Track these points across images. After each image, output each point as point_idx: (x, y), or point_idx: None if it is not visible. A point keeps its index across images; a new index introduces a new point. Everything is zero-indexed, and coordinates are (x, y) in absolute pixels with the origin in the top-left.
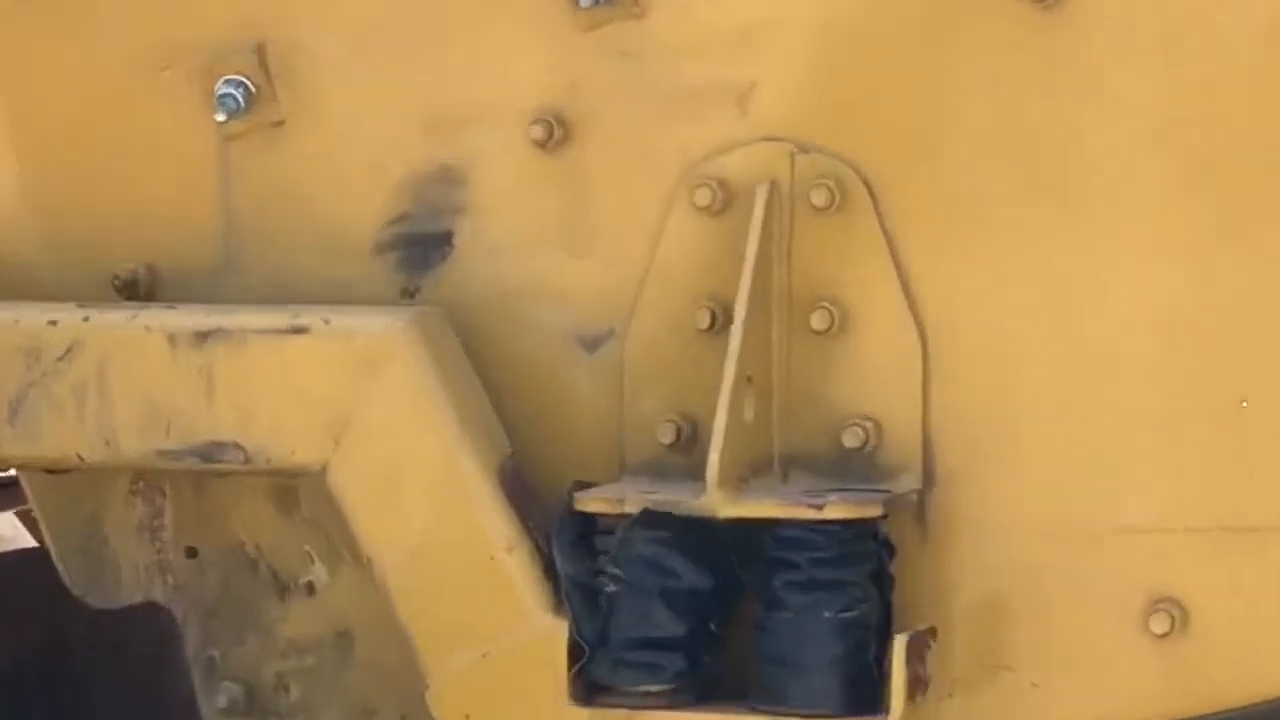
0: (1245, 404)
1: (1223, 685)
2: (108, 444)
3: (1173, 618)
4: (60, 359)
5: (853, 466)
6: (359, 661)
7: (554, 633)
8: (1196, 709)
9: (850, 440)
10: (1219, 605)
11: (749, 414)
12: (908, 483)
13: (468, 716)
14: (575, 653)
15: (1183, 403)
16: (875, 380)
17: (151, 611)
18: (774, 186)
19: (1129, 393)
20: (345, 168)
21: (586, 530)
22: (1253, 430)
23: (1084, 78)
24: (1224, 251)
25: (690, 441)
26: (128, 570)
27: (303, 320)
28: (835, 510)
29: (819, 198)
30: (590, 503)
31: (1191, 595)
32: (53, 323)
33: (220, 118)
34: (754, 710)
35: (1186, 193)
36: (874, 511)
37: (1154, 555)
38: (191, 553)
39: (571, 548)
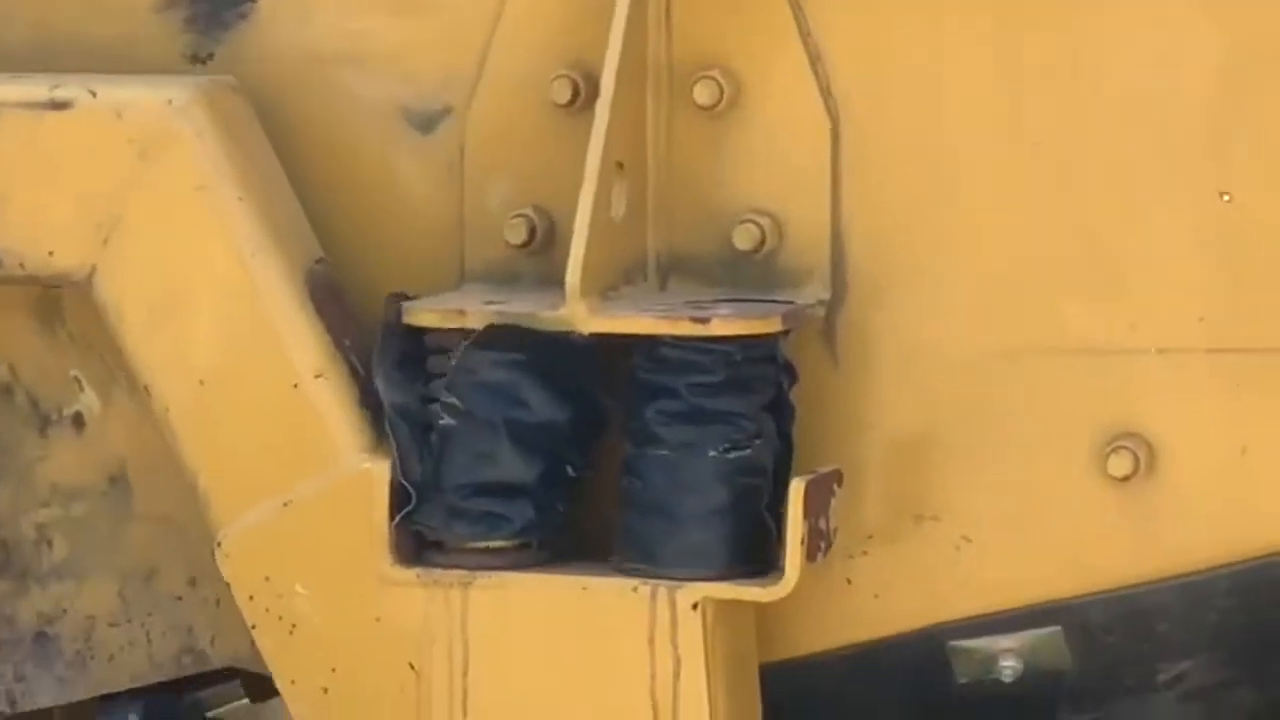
0: (1228, 198)
1: (1198, 543)
2: None
3: (1137, 457)
4: None
5: (746, 272)
6: (137, 512)
7: (373, 475)
8: (1167, 569)
9: (743, 240)
10: (1196, 443)
11: (618, 207)
12: (813, 293)
13: (267, 578)
14: (399, 499)
15: (1157, 199)
16: (774, 167)
17: None
18: None
19: (1080, 184)
20: None
21: (416, 350)
22: (1238, 227)
23: None
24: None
25: (546, 241)
26: None
27: (64, 92)
28: (724, 325)
29: None
30: (421, 315)
31: (1162, 430)
32: None
33: None
34: (619, 570)
35: None
36: (771, 327)
37: (1116, 382)
38: None
39: (397, 371)
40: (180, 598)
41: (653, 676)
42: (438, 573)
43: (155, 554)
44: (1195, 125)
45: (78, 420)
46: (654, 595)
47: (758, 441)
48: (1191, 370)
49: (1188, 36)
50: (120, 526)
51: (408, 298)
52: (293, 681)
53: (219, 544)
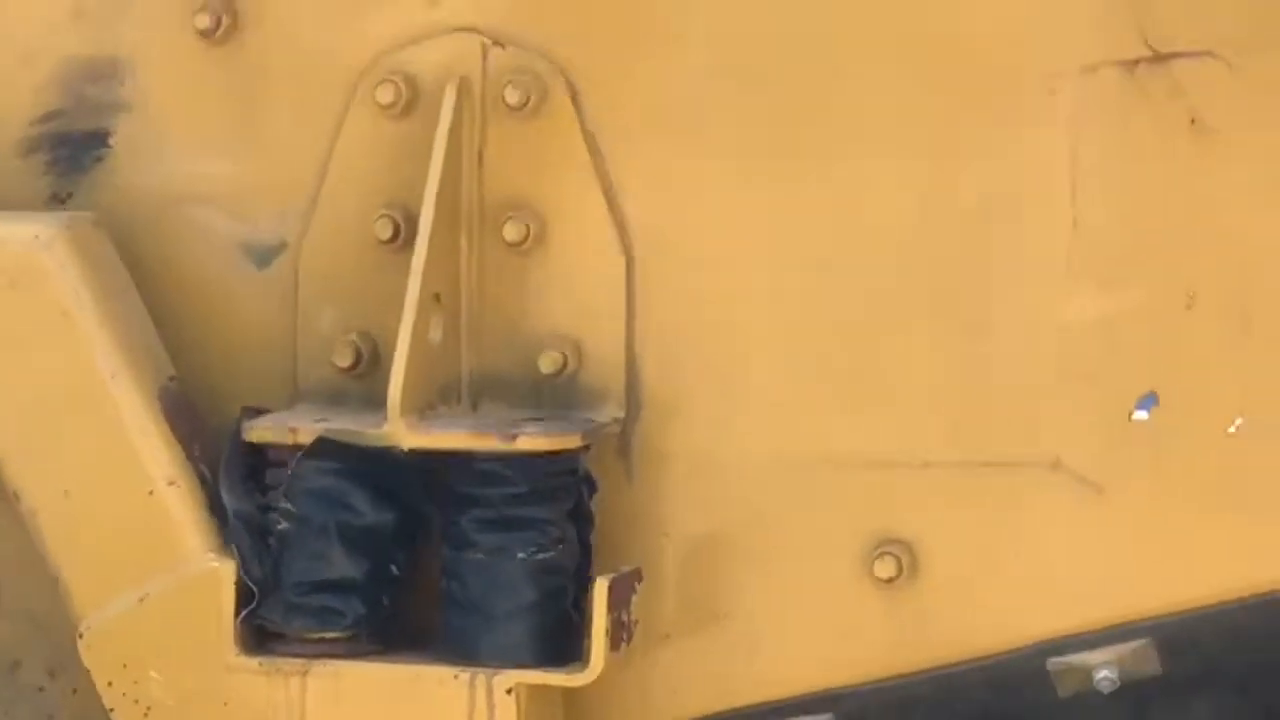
0: (978, 328)
1: (955, 636)
2: None
3: (900, 561)
4: None
5: (550, 393)
6: (5, 609)
7: (219, 574)
8: (925, 662)
9: (547, 364)
10: (951, 547)
11: (435, 335)
12: (610, 411)
13: (124, 665)
14: (243, 596)
15: (917, 326)
16: (575, 299)
17: None
18: (464, 83)
19: (852, 313)
20: None
21: (256, 462)
22: (988, 356)
23: None
24: (951, 167)
25: (371, 364)
26: None
27: None
28: (529, 441)
29: (514, 96)
30: (260, 432)
31: (922, 537)
32: None
33: None
34: (440, 660)
35: (909, 105)
36: (573, 443)
37: (882, 492)
38: None
39: (239, 481)
40: (42, 688)
41: None
42: (279, 661)
43: (18, 648)
44: (952, 259)
45: None
46: (473, 682)
47: (561, 545)
48: (947, 481)
49: (942, 179)
50: None
51: (257, 413)
52: None
53: (81, 634)
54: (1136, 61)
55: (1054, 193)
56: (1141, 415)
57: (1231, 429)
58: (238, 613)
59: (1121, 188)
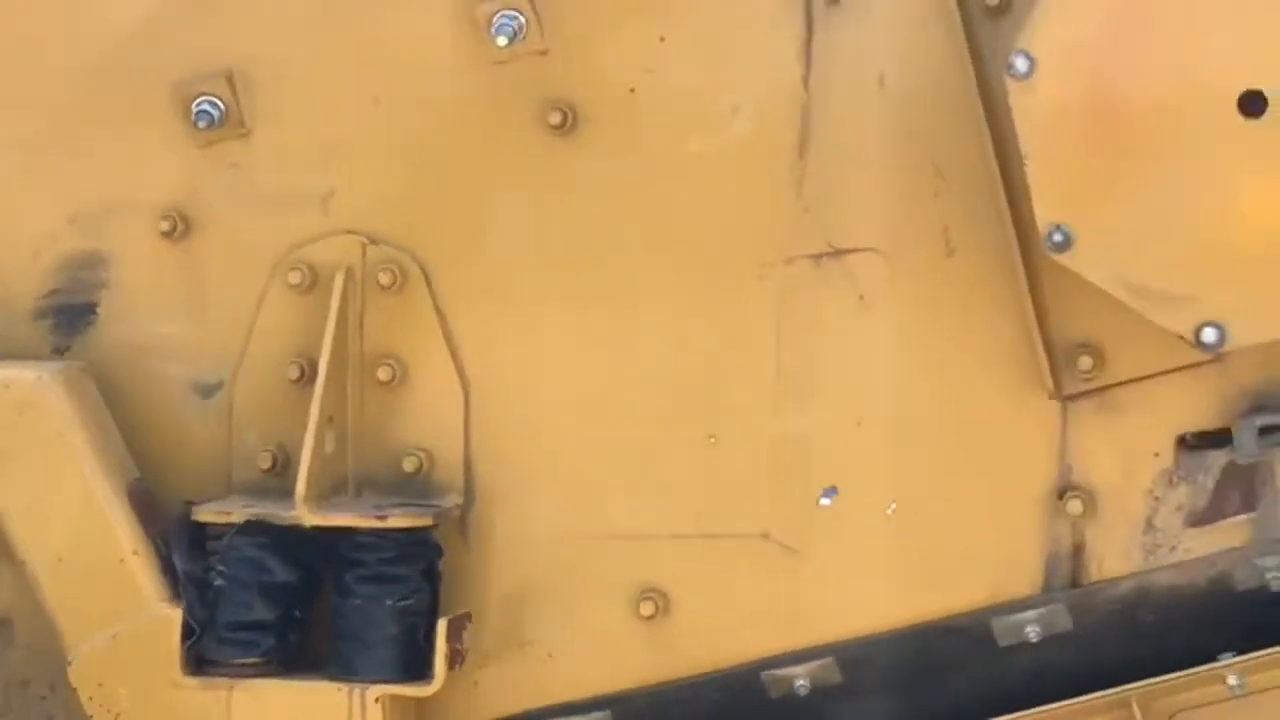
0: (713, 438)
1: (696, 656)
2: None
3: (657, 604)
4: None
5: (411, 487)
6: (18, 643)
7: (170, 618)
8: (676, 674)
9: (408, 466)
10: (694, 594)
11: (329, 446)
12: (453, 499)
13: (100, 684)
14: (188, 633)
15: (669, 434)
16: (428, 420)
17: None
18: (349, 270)
19: (625, 429)
20: (8, 253)
21: (200, 536)
22: (720, 459)
23: (591, 190)
24: (695, 324)
25: (284, 467)
26: None
27: None
28: (396, 520)
29: (384, 279)
30: (204, 514)
31: (675, 588)
32: None
33: None
34: (331, 678)
35: (666, 280)
36: (426, 522)
37: (646, 555)
38: None
39: (187, 550)
40: (44, 698)
41: None
42: (213, 680)
43: (28, 669)
44: (696, 387)
45: None
46: (352, 693)
47: (417, 595)
48: (691, 547)
49: (692, 330)
50: (4, 653)
51: (201, 502)
52: None
53: (70, 662)
54: (821, 255)
55: (764, 344)
56: (826, 502)
57: (889, 511)
58: (183, 645)
59: (810, 343)
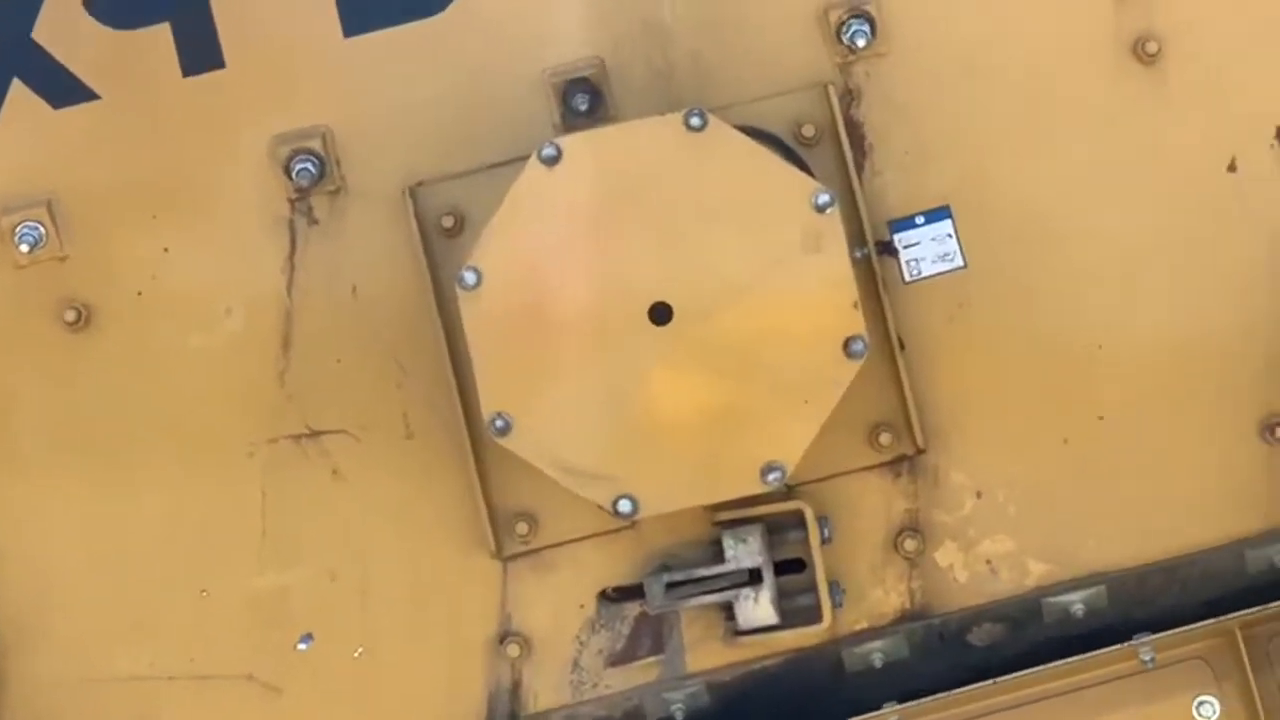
0: (205, 592)
1: None
2: None
3: None
4: None
5: None
6: None
7: None
8: None
9: None
10: None
11: None
12: None
13: None
14: None
15: (164, 591)
16: None
17: None
18: None
19: (128, 585)
20: None
21: None
22: (211, 610)
23: (103, 380)
24: (192, 495)
25: None
26: None
27: None
28: None
29: None
30: None
31: None
32: None
33: None
34: None
35: (168, 456)
36: None
37: (145, 696)
38: None
39: None
40: None
41: None
42: None
43: None
44: (190, 545)
45: None
46: None
47: None
48: (188, 689)
49: (186, 495)
50: None
51: None
52: None
53: None
54: (300, 436)
55: (252, 510)
56: (303, 647)
57: (356, 655)
58: None
59: (291, 510)
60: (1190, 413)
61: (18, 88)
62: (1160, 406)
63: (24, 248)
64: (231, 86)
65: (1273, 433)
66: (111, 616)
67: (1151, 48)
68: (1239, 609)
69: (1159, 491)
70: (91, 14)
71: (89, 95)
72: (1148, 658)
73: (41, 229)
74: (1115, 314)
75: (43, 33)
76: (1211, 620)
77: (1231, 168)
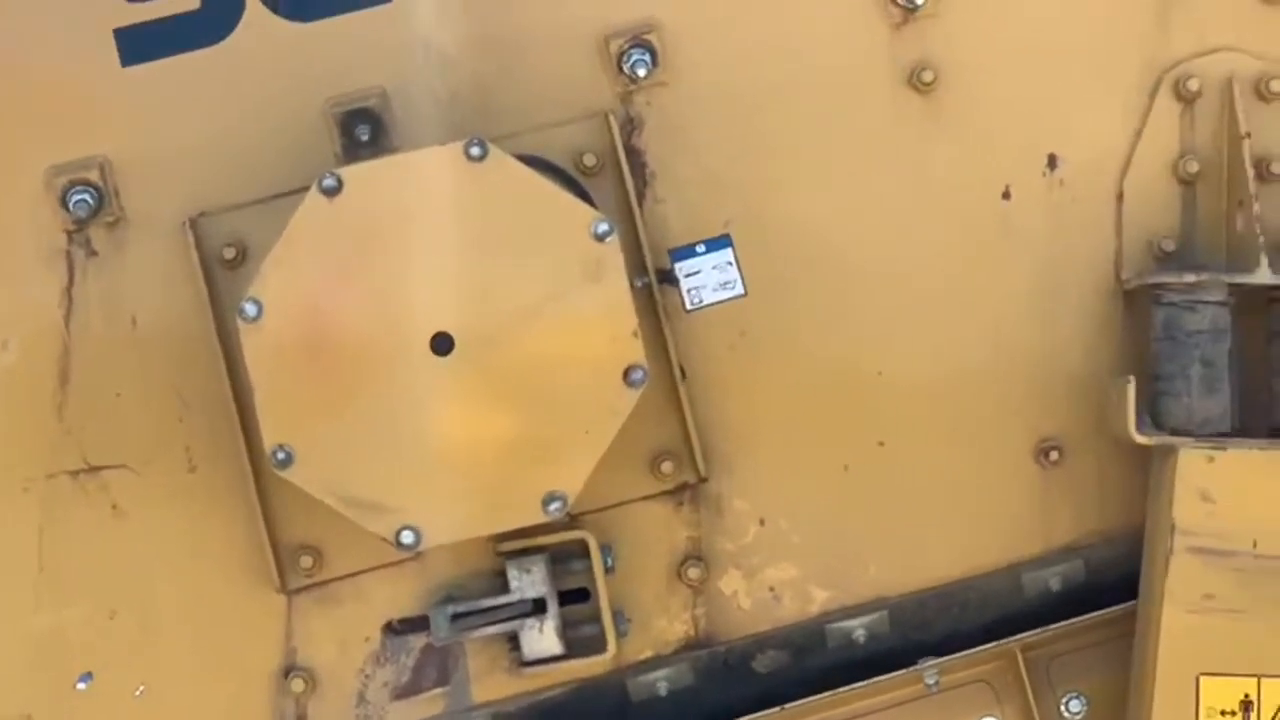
0: None
1: None
2: None
3: None
4: None
5: None
6: None
7: None
8: None
9: None
10: None
11: None
12: None
13: None
14: None
15: None
16: None
17: None
18: None
19: None
20: None
21: None
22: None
23: None
24: None
25: None
26: None
27: None
28: None
29: None
30: None
31: None
32: None
33: None
34: None
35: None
36: None
37: None
38: None
39: None
40: None
41: None
42: None
43: None
44: None
45: None
46: None
47: None
48: None
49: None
50: None
51: None
52: None
53: None
54: (79, 471)
55: (28, 548)
56: (82, 686)
57: (138, 693)
58: None
59: (68, 546)
60: (967, 438)
61: None
62: (939, 432)
63: None
64: (3, 117)
65: (1047, 456)
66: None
67: (927, 76)
68: (1016, 631)
69: (938, 517)
70: None
71: None
72: (932, 681)
73: None
74: (895, 341)
75: None
76: (994, 644)
77: (1006, 195)
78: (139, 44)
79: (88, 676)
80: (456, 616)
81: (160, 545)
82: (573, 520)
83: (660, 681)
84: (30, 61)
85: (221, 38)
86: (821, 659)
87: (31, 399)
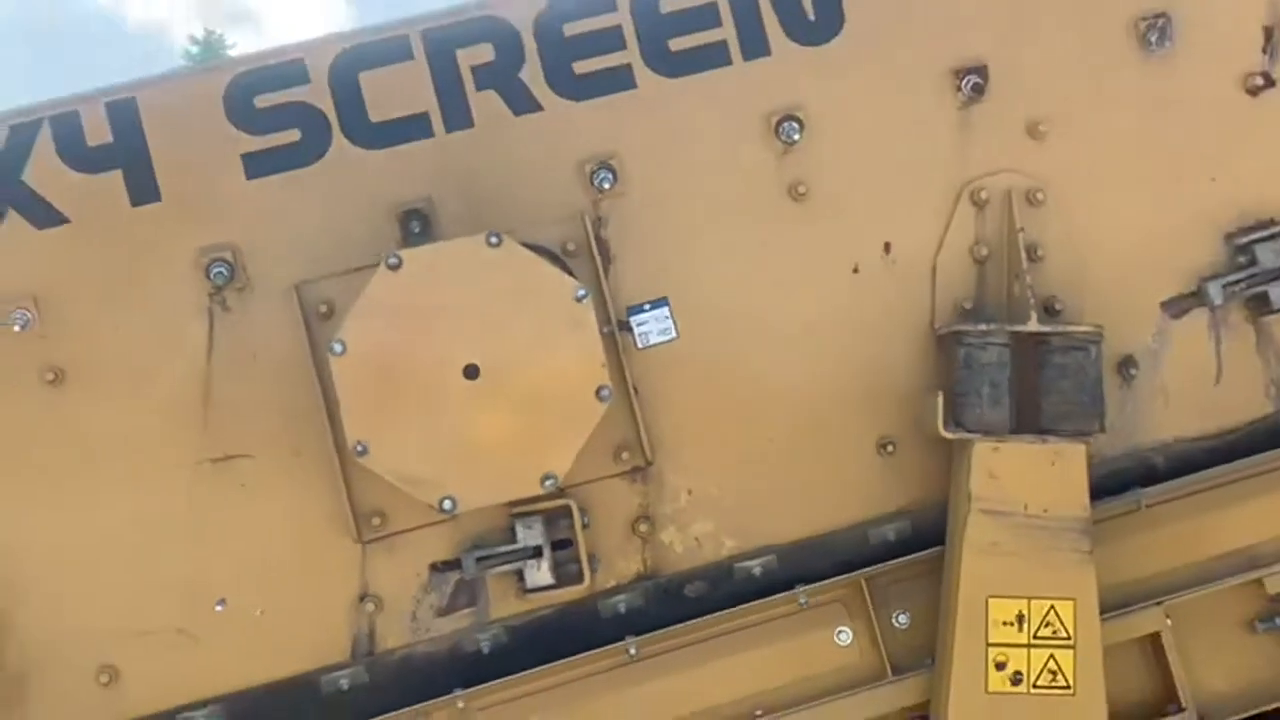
0: (221, 606)
1: None
2: None
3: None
4: None
5: None
6: None
7: None
8: None
9: None
10: None
11: None
12: None
13: None
14: None
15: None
16: None
17: None
18: None
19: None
20: None
21: None
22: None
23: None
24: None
25: None
26: None
27: None
28: None
29: None
30: None
31: None
32: None
33: None
34: None
35: None
36: None
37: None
38: None
39: None
40: None
41: None
42: None
43: None
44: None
45: None
46: None
47: None
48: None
49: None
50: None
51: None
52: None
53: None
54: (217, 459)
55: (179, 520)
56: (219, 608)
57: (258, 614)
58: None
59: (212, 512)
60: (831, 435)
61: (11, 215)
62: (809, 431)
63: (16, 327)
64: (165, 214)
65: (885, 448)
66: (101, 597)
67: (802, 189)
68: (863, 567)
69: (810, 490)
70: (65, 163)
71: (62, 220)
72: (803, 601)
73: (28, 315)
74: (782, 368)
75: (30, 175)
76: (847, 575)
77: (856, 270)
78: (258, 164)
79: (223, 601)
80: (480, 559)
81: (273, 510)
82: (561, 492)
83: (620, 603)
84: (184, 176)
85: (316, 160)
86: (731, 587)
87: (186, 410)
